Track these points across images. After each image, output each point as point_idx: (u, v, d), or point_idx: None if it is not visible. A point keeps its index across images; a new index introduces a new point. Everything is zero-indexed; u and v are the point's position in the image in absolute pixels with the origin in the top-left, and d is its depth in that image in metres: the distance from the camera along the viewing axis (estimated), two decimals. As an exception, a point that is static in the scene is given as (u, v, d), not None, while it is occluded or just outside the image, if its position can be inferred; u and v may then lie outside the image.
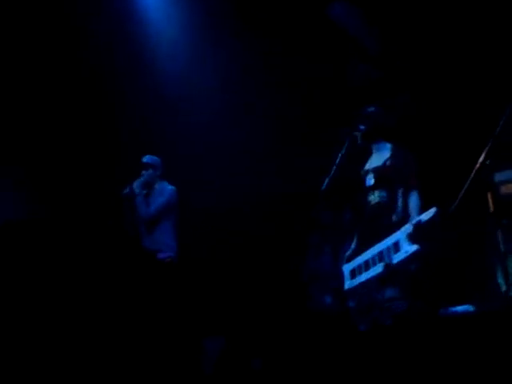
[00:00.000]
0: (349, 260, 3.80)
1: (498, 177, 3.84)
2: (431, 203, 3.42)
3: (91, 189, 5.49)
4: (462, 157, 3.63)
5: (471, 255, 4.21)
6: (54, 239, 5.17)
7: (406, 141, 3.94)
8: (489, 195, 3.12)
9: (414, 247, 3.36)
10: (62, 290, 4.99)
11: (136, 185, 4.68)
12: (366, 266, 3.61)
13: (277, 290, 5.26)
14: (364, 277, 3.61)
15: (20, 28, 5.15)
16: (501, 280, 3.47)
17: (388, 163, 3.79)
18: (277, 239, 5.38)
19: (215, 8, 5.29)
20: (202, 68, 5.53)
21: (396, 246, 3.45)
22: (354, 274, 3.70)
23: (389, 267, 3.43)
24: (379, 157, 3.86)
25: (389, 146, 3.87)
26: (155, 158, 4.81)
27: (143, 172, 4.73)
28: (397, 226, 3.52)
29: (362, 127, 3.83)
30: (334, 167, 3.65)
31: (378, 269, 3.51)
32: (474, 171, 3.10)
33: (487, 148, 3.07)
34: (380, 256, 3.53)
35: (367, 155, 3.93)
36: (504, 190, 3.76)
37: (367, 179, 3.83)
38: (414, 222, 3.41)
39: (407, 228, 3.42)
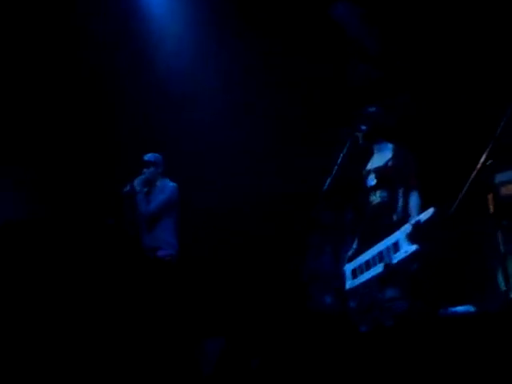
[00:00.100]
0: (350, 260, 3.81)
1: (499, 178, 3.84)
2: (432, 203, 3.43)
3: (93, 187, 5.49)
4: (463, 157, 3.64)
5: (471, 256, 4.22)
6: (54, 239, 5.19)
7: (406, 141, 3.95)
8: (489, 196, 3.11)
9: (414, 247, 3.38)
10: (61, 289, 5.00)
11: (137, 182, 4.67)
12: (367, 265, 3.63)
13: (277, 290, 5.26)
14: (365, 277, 3.62)
15: (20, 28, 5.15)
16: (501, 281, 3.47)
17: (390, 163, 3.81)
18: (277, 239, 5.38)
19: (216, 7, 5.29)
20: (203, 68, 5.53)
21: (396, 246, 3.47)
22: (355, 273, 3.72)
23: (389, 267, 3.44)
24: (381, 157, 3.88)
25: (390, 146, 3.89)
26: (157, 155, 4.80)
27: (144, 170, 4.72)
28: (397, 226, 3.54)
29: (363, 127, 3.84)
30: (336, 167, 3.66)
31: (378, 269, 3.53)
32: (474, 172, 3.10)
33: (488, 149, 3.07)
34: (380, 256, 3.54)
35: (368, 155, 3.94)
36: (504, 191, 3.77)
37: (369, 179, 3.85)
38: (412, 222, 3.43)
39: (406, 228, 3.44)
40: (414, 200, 3.71)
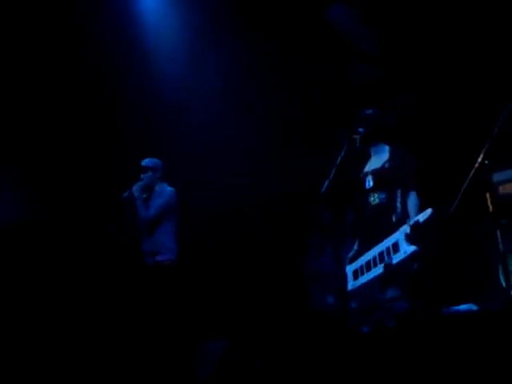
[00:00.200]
0: (351, 261, 3.82)
1: (497, 177, 3.84)
2: (431, 203, 3.43)
3: (92, 192, 5.49)
4: (461, 157, 3.64)
5: (471, 255, 4.21)
6: (52, 242, 5.20)
7: (404, 141, 3.95)
8: (488, 195, 3.11)
9: (412, 248, 3.39)
10: (60, 293, 5.02)
11: (135, 188, 4.66)
12: (368, 266, 3.64)
13: (277, 290, 5.26)
14: (366, 278, 3.64)
15: (20, 28, 5.15)
16: (501, 279, 3.47)
17: (386, 165, 3.82)
18: (277, 239, 5.38)
19: (216, 8, 5.29)
20: (203, 68, 5.53)
21: (395, 247, 3.49)
22: (356, 274, 3.73)
23: (389, 268, 3.46)
24: (378, 159, 3.89)
25: (387, 148, 3.90)
26: (155, 160, 4.78)
27: (142, 175, 4.71)
28: (397, 227, 3.55)
29: (360, 129, 3.85)
30: (334, 170, 3.67)
31: (378, 270, 3.54)
32: (472, 171, 3.10)
33: (485, 148, 3.07)
34: (380, 257, 3.56)
35: (366, 158, 3.95)
36: (502, 189, 3.76)
37: (366, 181, 3.86)
38: (411, 222, 3.44)
39: (405, 229, 3.45)
40: (412, 200, 3.71)
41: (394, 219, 3.67)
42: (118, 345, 4.70)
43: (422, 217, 3.41)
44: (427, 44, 4.92)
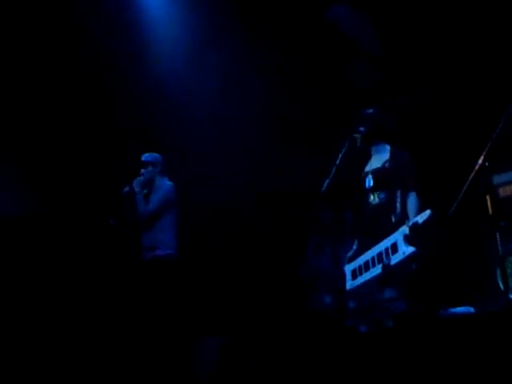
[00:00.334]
0: (350, 261, 3.83)
1: (497, 179, 3.85)
2: (430, 205, 3.44)
3: (93, 187, 5.50)
4: (461, 159, 3.64)
5: (469, 257, 4.22)
6: (52, 236, 5.22)
7: (405, 142, 3.95)
8: (487, 197, 3.12)
9: (411, 249, 3.41)
10: (59, 285, 5.04)
11: (136, 183, 4.68)
12: (366, 266, 3.65)
13: (276, 289, 5.27)
14: (364, 278, 3.65)
15: (20, 28, 5.15)
16: (499, 281, 3.48)
17: (387, 165, 3.82)
18: (277, 239, 5.38)
19: (215, 8, 5.29)
20: (203, 68, 5.53)
21: (394, 248, 3.50)
22: (355, 274, 3.74)
23: (387, 268, 3.46)
24: (378, 159, 3.89)
25: (388, 147, 3.90)
26: (155, 155, 4.80)
27: (142, 170, 4.73)
28: (396, 227, 3.56)
29: (361, 129, 3.85)
30: (334, 169, 3.67)
31: (377, 270, 3.55)
32: (472, 173, 3.10)
33: (486, 150, 3.07)
34: (379, 257, 3.57)
35: (367, 157, 3.95)
36: (502, 192, 3.77)
37: (367, 181, 3.86)
38: (410, 223, 3.45)
39: (404, 230, 3.46)
40: (412, 201, 3.72)
41: (393, 219, 3.68)
42: (115, 339, 4.72)
43: (420, 218, 3.42)
44: (428, 44, 4.92)
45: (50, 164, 5.50)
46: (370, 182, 3.84)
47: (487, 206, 3.09)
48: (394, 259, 3.46)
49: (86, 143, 5.55)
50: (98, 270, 5.22)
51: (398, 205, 3.72)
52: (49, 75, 5.41)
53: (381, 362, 2.92)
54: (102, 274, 5.20)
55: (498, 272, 3.53)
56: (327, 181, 3.65)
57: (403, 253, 3.42)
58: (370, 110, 3.91)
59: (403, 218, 3.62)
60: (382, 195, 3.77)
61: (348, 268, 3.80)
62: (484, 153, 3.07)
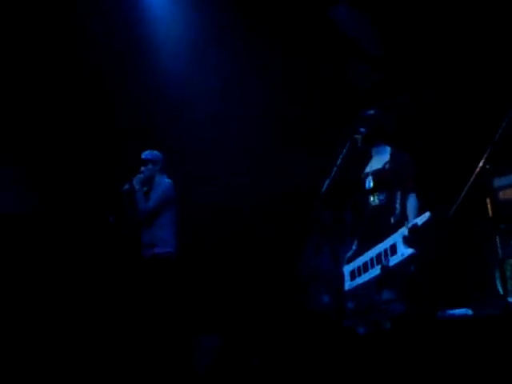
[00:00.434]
0: (349, 261, 3.83)
1: (497, 182, 3.85)
2: (430, 207, 3.44)
3: (94, 185, 5.51)
4: (462, 161, 3.65)
5: (469, 259, 4.22)
6: (52, 233, 5.24)
7: (406, 144, 3.95)
8: (488, 200, 3.12)
9: (410, 250, 3.41)
10: (58, 283, 5.05)
11: (136, 181, 4.69)
12: (365, 267, 3.66)
13: (276, 289, 5.28)
14: (363, 278, 3.66)
15: (20, 28, 5.15)
16: (498, 284, 3.48)
17: (387, 166, 3.82)
18: (277, 239, 5.39)
19: (215, 8, 5.28)
20: (203, 68, 5.53)
21: (393, 249, 3.50)
22: (353, 275, 3.75)
23: (386, 269, 3.47)
24: (379, 160, 3.89)
25: (388, 149, 3.89)
26: (155, 152, 4.80)
27: (142, 168, 4.73)
28: (395, 228, 3.56)
29: (362, 130, 3.85)
30: (334, 169, 3.67)
31: (375, 271, 3.56)
32: (473, 176, 3.10)
33: (487, 153, 3.07)
34: (378, 258, 3.58)
35: (367, 158, 3.95)
36: (503, 195, 3.77)
37: (367, 182, 3.86)
38: (409, 225, 3.45)
39: (403, 231, 3.47)
40: (411, 202, 3.71)
41: (392, 221, 3.68)
42: (114, 336, 4.73)
43: (420, 220, 3.43)
44: (428, 45, 4.91)
45: (50, 163, 5.50)
46: (370, 183, 3.84)
47: (487, 208, 3.09)
48: (393, 260, 3.47)
49: (86, 143, 5.55)
50: (97, 268, 5.24)
51: (398, 206, 3.72)
52: (49, 75, 5.40)
53: (379, 363, 2.94)
54: (101, 271, 5.22)
55: (497, 275, 3.54)
56: (327, 181, 3.66)
57: (402, 254, 3.43)
58: (371, 111, 3.91)
59: (403, 220, 3.62)
60: (382, 196, 3.77)
61: (347, 268, 3.81)
62: (485, 156, 3.07)
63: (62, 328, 4.92)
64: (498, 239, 3.06)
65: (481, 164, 3.08)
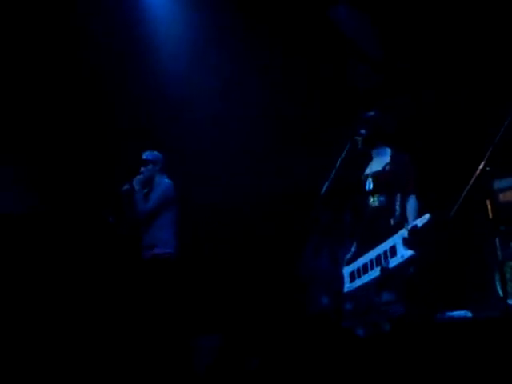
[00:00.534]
0: (348, 263, 3.84)
1: (497, 184, 3.86)
2: (430, 208, 3.45)
3: (94, 185, 5.51)
4: (462, 163, 3.65)
5: (469, 261, 4.23)
6: (51, 233, 5.24)
7: (406, 146, 3.95)
8: (488, 202, 3.12)
9: (410, 252, 3.42)
10: (58, 283, 5.06)
11: (136, 182, 4.69)
12: (365, 269, 3.67)
13: (276, 289, 5.29)
14: (362, 280, 3.66)
15: (21, 28, 5.14)
16: (498, 287, 3.49)
17: (387, 168, 3.83)
18: (277, 239, 5.40)
19: (215, 8, 5.27)
20: (203, 68, 5.52)
21: (392, 251, 3.51)
22: (353, 276, 3.75)
23: (385, 271, 3.48)
24: (379, 162, 3.89)
25: (388, 150, 3.90)
26: (155, 153, 4.80)
27: (142, 169, 4.73)
28: (395, 230, 3.57)
29: (362, 132, 3.85)
30: (334, 171, 3.67)
31: (375, 272, 3.57)
32: (473, 178, 3.11)
33: (487, 155, 3.07)
34: (377, 260, 3.58)
35: (367, 160, 3.95)
36: (503, 197, 3.78)
37: (367, 183, 3.87)
38: (409, 227, 3.46)
39: (403, 233, 3.47)
40: (411, 204, 3.72)
41: (392, 222, 3.69)
42: (113, 336, 4.74)
43: (420, 221, 3.44)
44: (428, 46, 4.91)
45: (50, 163, 5.50)
46: (370, 184, 3.85)
47: (487, 210, 3.10)
48: (393, 262, 3.48)
49: (86, 143, 5.55)
50: (97, 268, 5.24)
51: (398, 208, 3.73)
52: (49, 75, 5.40)
53: (377, 365, 2.94)
54: (101, 272, 5.22)
55: (497, 277, 3.54)
56: (327, 183, 3.66)
57: (402, 256, 3.44)
58: (372, 113, 3.91)
59: (402, 221, 3.64)
60: (382, 198, 3.78)
61: (346, 270, 3.81)
62: (485, 158, 3.08)
63: (62, 328, 4.92)
64: (497, 241, 3.07)
65: (481, 166, 3.08)
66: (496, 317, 3.04)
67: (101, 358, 4.65)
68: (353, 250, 3.88)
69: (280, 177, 5.52)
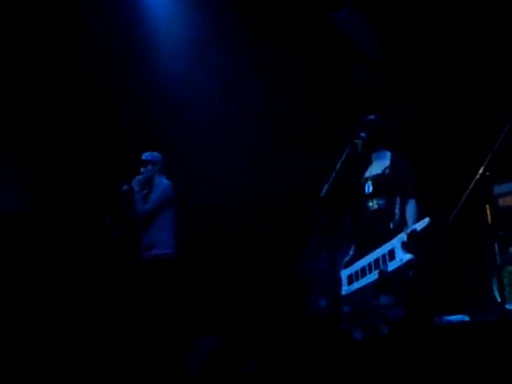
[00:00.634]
0: (346, 266, 3.84)
1: (497, 189, 3.86)
2: (430, 212, 3.45)
3: (93, 186, 5.52)
4: (462, 168, 3.65)
5: (467, 266, 4.24)
6: (50, 233, 5.25)
7: (406, 149, 3.95)
8: (487, 207, 3.13)
9: (409, 256, 3.42)
10: (55, 284, 5.08)
11: (135, 182, 4.69)
12: (363, 272, 3.67)
13: (276, 290, 5.30)
14: (360, 283, 3.67)
15: (21, 28, 5.13)
16: (495, 292, 3.50)
17: (387, 171, 3.83)
18: (276, 239, 5.41)
19: (214, 8, 5.26)
20: (203, 68, 5.52)
21: (391, 254, 3.51)
22: (351, 279, 3.76)
23: (384, 274, 3.49)
24: (379, 165, 3.89)
25: (388, 154, 3.90)
26: (155, 154, 4.81)
27: (142, 169, 4.74)
28: (394, 234, 3.57)
29: (362, 135, 3.85)
30: (334, 174, 3.68)
31: (373, 276, 3.57)
32: (473, 182, 3.11)
33: (487, 160, 3.08)
34: (376, 263, 3.58)
35: (367, 163, 3.95)
36: (502, 202, 3.78)
37: (366, 186, 3.87)
38: (408, 231, 3.46)
39: (402, 237, 3.48)
40: (411, 208, 3.73)
41: (391, 226, 3.70)
42: (111, 337, 4.76)
43: (419, 225, 3.44)
44: (429, 48, 4.90)
45: (50, 163, 5.50)
46: (369, 188, 3.85)
47: (487, 215, 3.10)
48: (391, 266, 3.48)
49: (86, 143, 5.55)
50: (96, 269, 5.25)
51: (397, 211, 3.73)
52: (49, 75, 5.39)
53: (375, 368, 2.96)
54: (100, 272, 5.24)
55: (495, 282, 3.56)
56: (327, 185, 3.66)
57: (400, 260, 3.44)
58: (372, 116, 3.91)
59: (401, 225, 3.63)
60: (381, 201, 3.78)
61: (344, 273, 3.82)
62: (485, 162, 3.08)
63: (60, 328, 4.94)
64: (496, 246, 3.07)
65: (481, 171, 3.09)
66: (493, 321, 3.05)
67: (99, 358, 4.67)
68: (351, 252, 3.89)
69: (280, 177, 5.52)
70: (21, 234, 5.18)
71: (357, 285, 3.68)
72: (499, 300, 3.18)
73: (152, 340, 4.36)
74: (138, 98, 5.51)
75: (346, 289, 3.76)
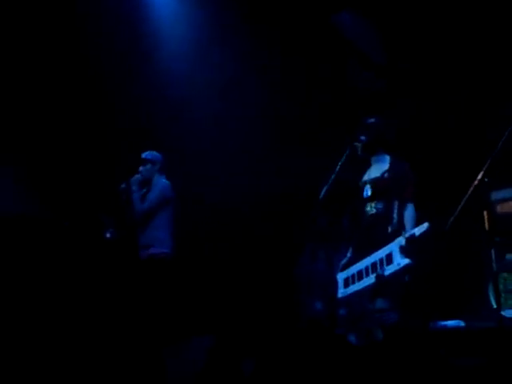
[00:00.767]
0: (343, 268, 3.85)
1: (495, 195, 3.87)
2: (428, 217, 3.46)
3: (92, 185, 5.53)
4: (460, 173, 3.66)
5: (464, 271, 4.26)
6: (49, 234, 5.26)
7: (405, 154, 3.95)
8: (485, 213, 3.14)
9: (406, 260, 3.42)
10: (53, 284, 5.09)
11: (134, 181, 4.70)
12: (360, 275, 3.67)
13: (272, 291, 5.32)
14: (357, 286, 3.67)
15: (21, 28, 5.12)
16: (491, 297, 3.52)
17: (386, 175, 3.81)
18: (276, 239, 5.42)
19: (216, 8, 5.25)
20: (203, 68, 5.51)
21: (389, 258, 3.51)
22: (347, 282, 3.76)
23: (380, 278, 3.49)
24: (378, 168, 3.88)
25: (388, 158, 3.89)
26: (155, 153, 4.81)
27: (141, 168, 4.74)
28: (392, 238, 3.57)
29: (362, 138, 3.85)
30: (333, 175, 3.68)
31: (370, 279, 3.57)
32: (471, 188, 3.12)
33: (485, 167, 3.08)
34: (373, 267, 3.59)
35: (366, 166, 3.95)
36: (500, 208, 3.79)
37: (365, 190, 3.86)
38: (407, 235, 3.46)
39: (400, 241, 3.48)
40: (409, 213, 3.72)
41: (389, 230, 3.68)
42: (108, 336, 4.78)
43: (418, 230, 3.43)
44: (431, 51, 4.89)
45: (50, 163, 5.51)
46: (367, 191, 3.85)
47: (484, 221, 3.11)
48: (389, 270, 3.48)
49: (87, 143, 5.56)
50: (94, 268, 5.27)
51: (395, 215, 3.72)
52: (49, 75, 5.39)
53: (370, 372, 2.98)
54: (98, 271, 5.25)
55: (490, 289, 3.57)
56: (326, 187, 3.67)
57: (398, 264, 3.44)
58: (372, 119, 3.90)
59: (399, 229, 3.63)
60: (380, 205, 3.78)
61: (341, 276, 3.82)
62: (484, 168, 3.08)
63: (59, 328, 4.96)
64: (493, 252, 3.09)
65: (479, 177, 3.09)
66: (489, 327, 3.07)
67: (96, 357, 4.70)
68: (348, 255, 3.89)
69: (279, 177, 5.54)
70: (21, 234, 5.18)
71: (353, 288, 3.68)
72: (495, 306, 3.20)
73: (149, 338, 4.38)
74: (138, 98, 5.51)
75: (342, 291, 3.77)
